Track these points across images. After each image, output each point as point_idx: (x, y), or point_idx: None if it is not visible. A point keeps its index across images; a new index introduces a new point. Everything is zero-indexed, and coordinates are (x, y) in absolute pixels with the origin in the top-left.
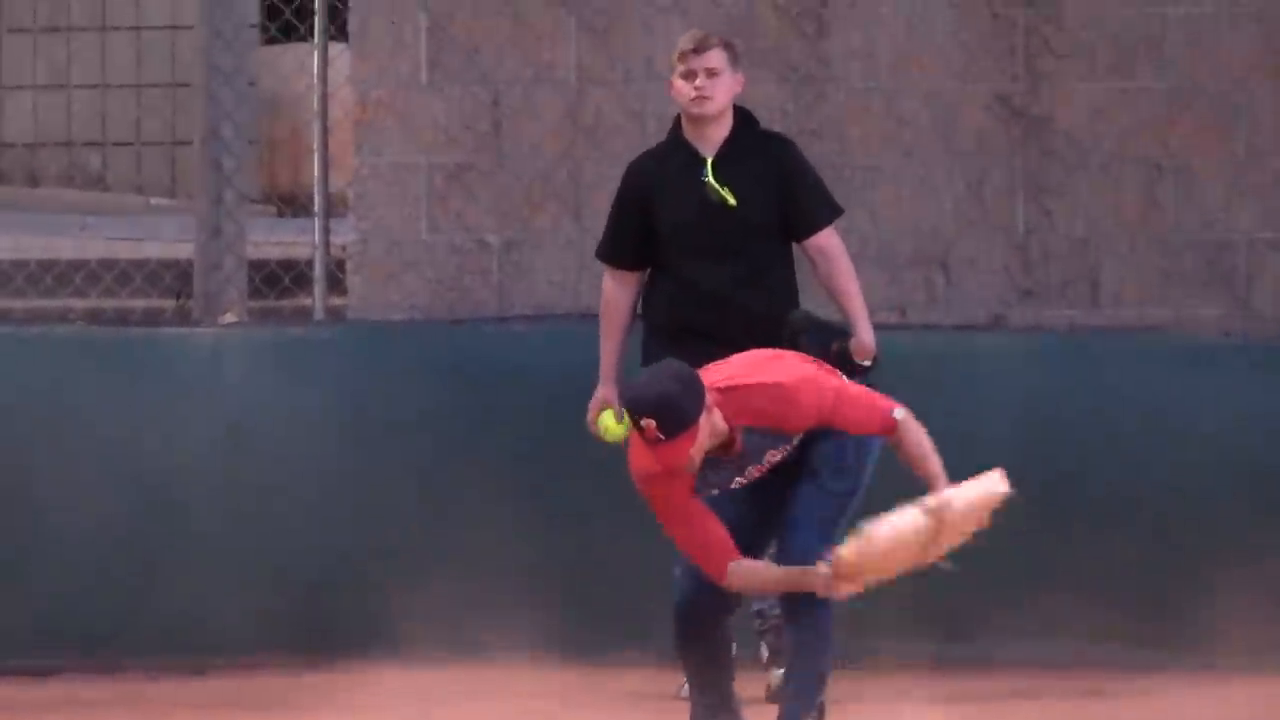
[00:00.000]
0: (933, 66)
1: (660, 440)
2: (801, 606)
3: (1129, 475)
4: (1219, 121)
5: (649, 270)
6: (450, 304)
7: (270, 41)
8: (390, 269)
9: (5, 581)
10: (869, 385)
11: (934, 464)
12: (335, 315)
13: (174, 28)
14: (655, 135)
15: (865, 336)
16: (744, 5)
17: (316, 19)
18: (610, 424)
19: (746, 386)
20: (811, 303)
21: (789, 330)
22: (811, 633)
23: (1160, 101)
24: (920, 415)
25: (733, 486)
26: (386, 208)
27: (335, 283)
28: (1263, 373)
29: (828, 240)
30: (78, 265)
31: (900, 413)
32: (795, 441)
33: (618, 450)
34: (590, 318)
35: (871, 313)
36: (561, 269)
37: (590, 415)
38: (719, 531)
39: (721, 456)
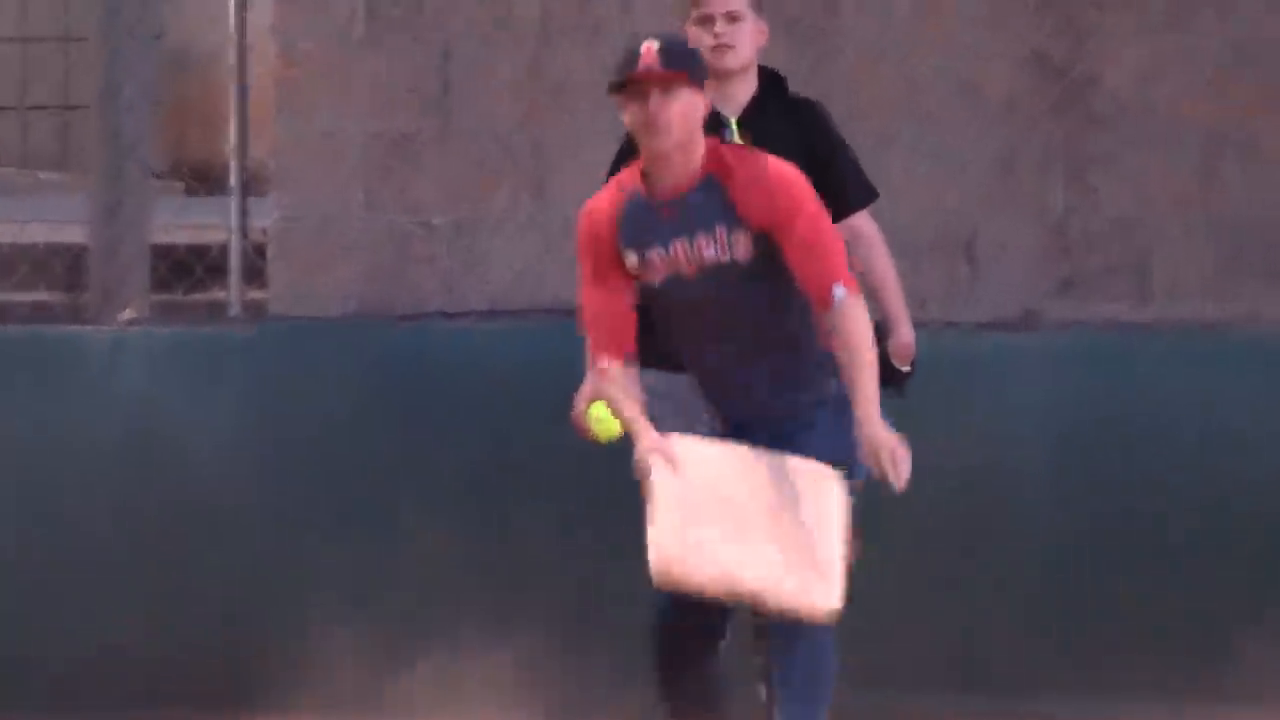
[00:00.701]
0: (955, 19)
1: (656, 73)
2: (796, 640)
3: (1185, 499)
4: None
5: None
6: (390, 297)
7: None
8: (319, 256)
9: None
10: (903, 392)
11: (861, 373)
12: (254, 311)
13: None
14: None
15: (906, 335)
16: None
17: None
18: (605, 414)
19: (741, 146)
20: None
21: None
22: (805, 672)
23: (1223, 58)
24: (942, 427)
25: (655, 260)
26: (315, 184)
27: (255, 273)
28: None
29: (864, 224)
30: None
31: (841, 292)
32: (734, 241)
33: (584, 467)
34: (555, 312)
35: None
36: (521, 255)
37: (579, 407)
38: (621, 316)
39: (666, 197)
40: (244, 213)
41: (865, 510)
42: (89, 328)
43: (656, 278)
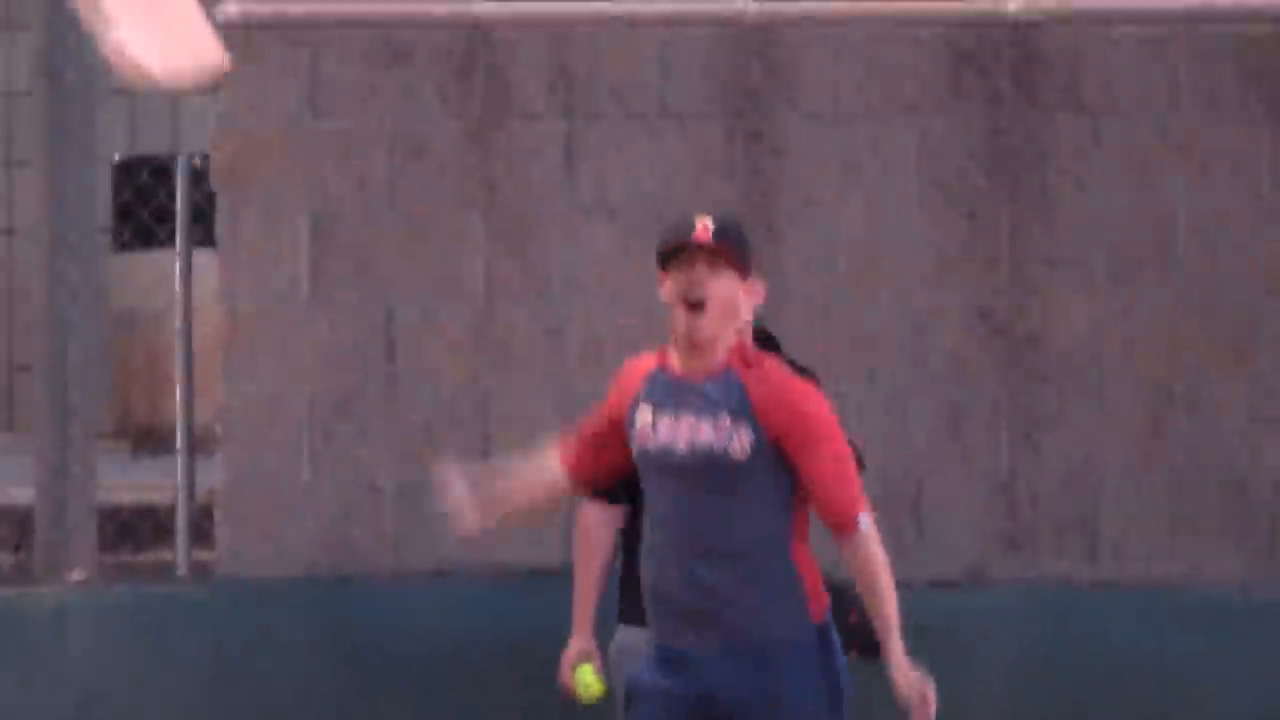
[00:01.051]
0: (902, 276)
1: (707, 248)
2: None
3: None
4: (1238, 338)
5: (632, 506)
6: (336, 559)
7: (124, 248)
8: (266, 518)
9: None
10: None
11: (885, 605)
12: (201, 572)
13: (7, 232)
14: (578, 358)
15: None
16: (681, 205)
17: (178, 221)
18: (590, 679)
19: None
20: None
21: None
22: None
23: (1170, 315)
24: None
25: (662, 426)
26: (261, 445)
27: (201, 534)
28: None
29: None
30: None
31: (866, 521)
32: (735, 434)
33: None
34: (506, 576)
35: (832, 566)
36: None
37: (564, 671)
38: (602, 450)
39: (686, 378)
40: (191, 474)
41: None
42: (35, 589)
43: (655, 442)
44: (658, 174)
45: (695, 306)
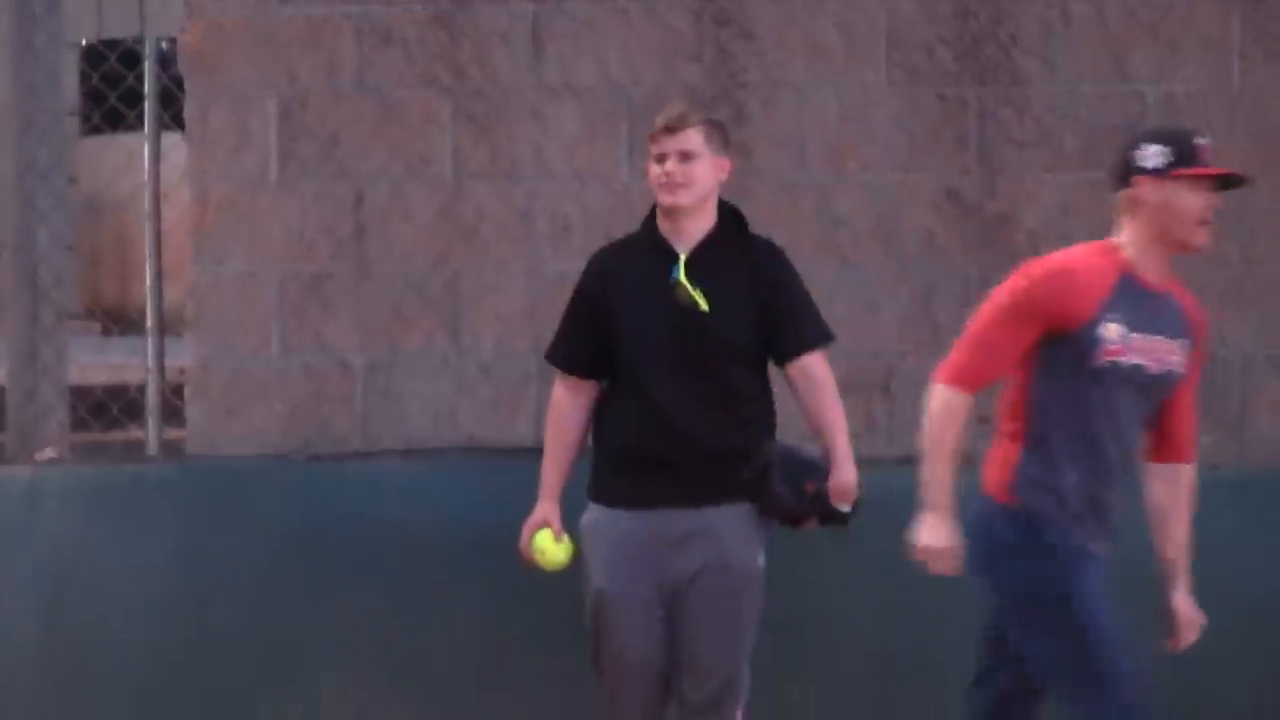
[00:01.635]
0: (871, 158)
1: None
2: None
3: None
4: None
5: (604, 384)
6: (306, 438)
7: (92, 132)
8: (236, 396)
9: None
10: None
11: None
12: (172, 451)
13: None
14: (547, 238)
15: (846, 476)
16: (649, 88)
17: (147, 105)
18: (548, 545)
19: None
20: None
21: (758, 463)
22: None
23: None
24: (865, 560)
25: (1136, 344)
26: (232, 325)
27: (172, 412)
28: (1260, 510)
29: (817, 365)
30: None
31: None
32: (1184, 355)
33: (500, 612)
34: (473, 451)
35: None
36: (435, 396)
37: (524, 536)
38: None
39: (1155, 287)
40: (161, 353)
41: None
42: (6, 468)
43: (1126, 358)
44: (625, 56)
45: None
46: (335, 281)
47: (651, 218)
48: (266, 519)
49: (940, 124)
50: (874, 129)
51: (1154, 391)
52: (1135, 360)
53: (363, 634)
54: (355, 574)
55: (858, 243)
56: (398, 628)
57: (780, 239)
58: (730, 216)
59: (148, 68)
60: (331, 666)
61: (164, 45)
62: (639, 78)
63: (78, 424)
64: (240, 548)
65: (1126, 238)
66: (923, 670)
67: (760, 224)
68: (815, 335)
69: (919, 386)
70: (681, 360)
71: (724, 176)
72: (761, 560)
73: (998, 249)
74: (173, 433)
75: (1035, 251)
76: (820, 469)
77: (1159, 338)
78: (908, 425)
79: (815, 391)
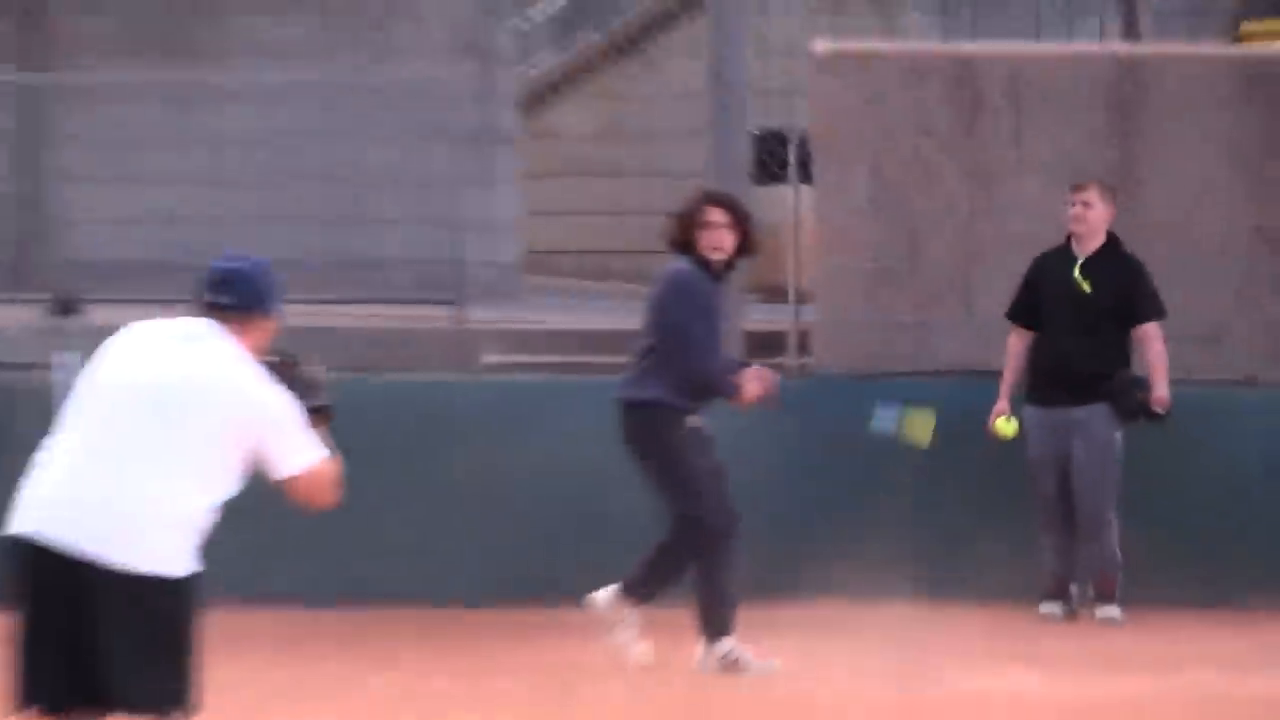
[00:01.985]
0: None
1: None
2: None
3: None
4: None
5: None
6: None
7: (761, 183)
8: (840, 340)
9: None
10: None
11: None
12: (802, 371)
13: (690, 175)
14: None
15: (1162, 393)
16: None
17: (790, 169)
18: (1003, 425)
19: None
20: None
21: (1115, 383)
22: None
23: None
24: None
25: None
26: (840, 300)
27: (803, 349)
28: None
29: (1151, 329)
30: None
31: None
32: None
33: None
34: (975, 373)
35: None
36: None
37: (991, 420)
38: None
39: None
40: (797, 313)
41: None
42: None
43: None
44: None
45: None
46: (893, 271)
47: (1068, 238)
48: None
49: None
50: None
51: None
52: None
53: None
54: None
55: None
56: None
57: (1157, 251)
58: (1111, 239)
59: (791, 148)
60: None
61: (802, 132)
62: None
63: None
64: (848, 438)
65: None
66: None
67: (1144, 242)
68: (1152, 312)
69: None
70: (1075, 320)
71: (1111, 215)
72: (1119, 437)
73: None
74: (803, 360)
75: None
76: (1149, 388)
77: None
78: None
79: (1147, 345)
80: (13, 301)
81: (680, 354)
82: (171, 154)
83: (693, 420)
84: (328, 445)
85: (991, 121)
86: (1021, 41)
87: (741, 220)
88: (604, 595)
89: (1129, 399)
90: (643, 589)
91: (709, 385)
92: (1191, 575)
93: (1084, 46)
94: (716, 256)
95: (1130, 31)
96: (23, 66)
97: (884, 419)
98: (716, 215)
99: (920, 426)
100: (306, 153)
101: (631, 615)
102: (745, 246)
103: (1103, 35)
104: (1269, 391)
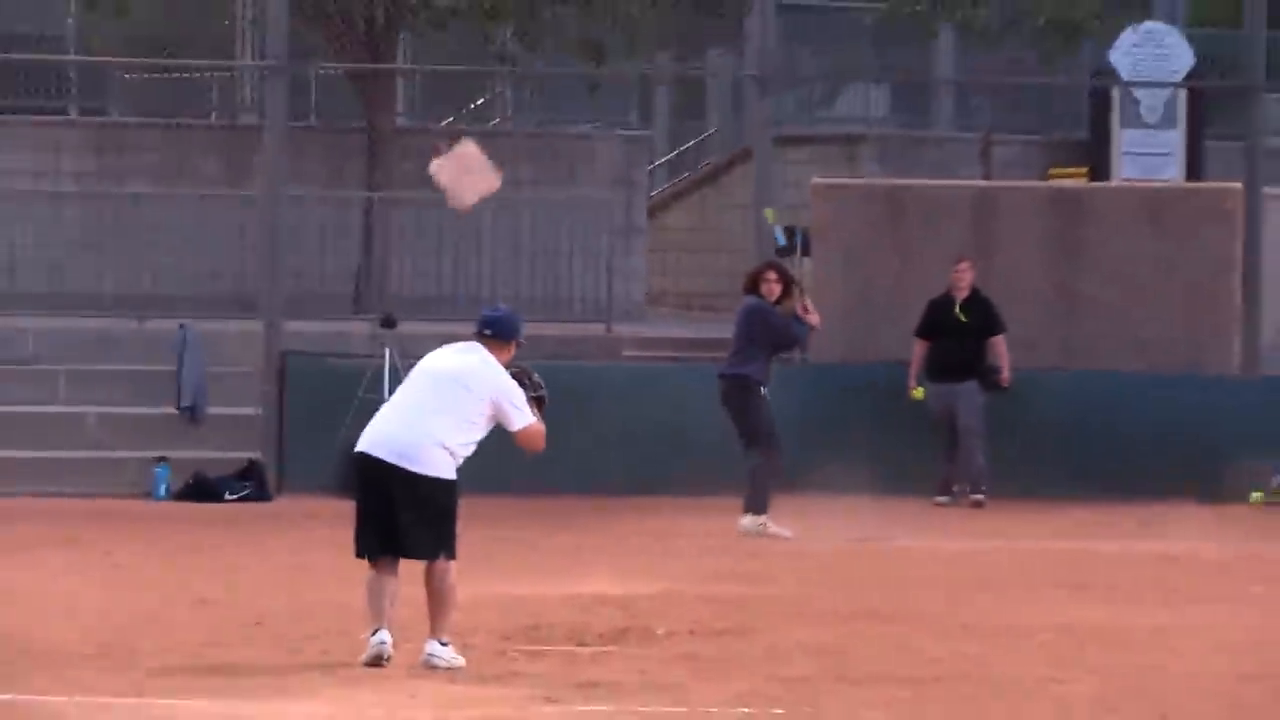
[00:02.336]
0: None
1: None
2: None
3: None
4: None
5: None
6: None
7: (783, 256)
8: (827, 343)
9: None
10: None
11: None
12: (804, 362)
13: (743, 250)
14: None
15: (1006, 375)
16: None
17: (798, 248)
18: (917, 392)
19: None
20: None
21: (983, 370)
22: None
23: None
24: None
25: None
26: (826, 320)
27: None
28: None
29: (999, 340)
30: None
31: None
32: None
33: None
34: (899, 362)
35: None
36: None
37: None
38: None
39: None
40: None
41: None
42: None
43: None
44: None
45: None
46: (854, 308)
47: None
48: None
49: None
50: None
51: None
52: None
53: None
54: None
55: None
56: None
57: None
58: (974, 289)
59: (799, 236)
60: None
61: (805, 229)
62: None
63: None
64: None
65: None
66: None
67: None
68: (999, 328)
69: None
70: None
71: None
72: (982, 399)
73: None
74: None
75: None
76: (997, 371)
77: None
78: None
79: (997, 347)
80: (355, 318)
81: (774, 337)
82: (451, 237)
83: (764, 390)
84: (540, 419)
85: (911, 224)
86: (929, 179)
87: (785, 277)
88: (746, 521)
89: (990, 379)
90: (758, 502)
91: (793, 339)
92: (1029, 478)
93: (960, 182)
94: (770, 297)
95: (986, 175)
96: (369, 188)
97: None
98: (771, 274)
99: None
100: (528, 237)
101: (766, 521)
102: (786, 291)
103: (972, 177)
104: (1064, 374)
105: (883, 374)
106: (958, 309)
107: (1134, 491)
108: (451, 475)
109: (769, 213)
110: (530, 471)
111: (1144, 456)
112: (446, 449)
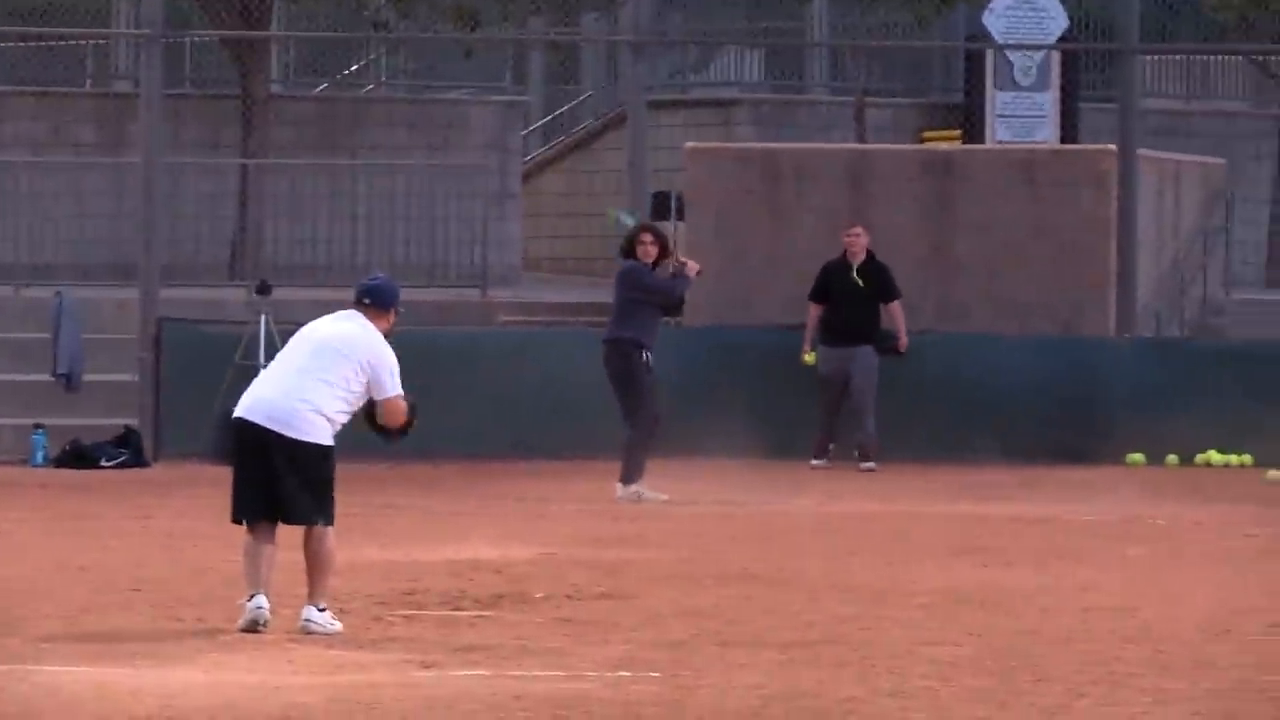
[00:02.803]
0: None
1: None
2: None
3: None
4: None
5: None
6: None
7: (657, 220)
8: (703, 307)
9: None
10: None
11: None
12: (679, 325)
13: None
14: None
15: (903, 340)
16: None
17: (672, 214)
18: (810, 357)
19: None
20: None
21: (880, 336)
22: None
23: None
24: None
25: None
26: (701, 285)
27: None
28: None
29: (895, 305)
30: None
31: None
32: None
33: None
34: (782, 326)
35: None
36: None
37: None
38: None
39: None
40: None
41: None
42: None
43: None
44: None
45: None
46: (729, 273)
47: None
48: None
49: None
50: None
51: None
52: None
53: None
54: None
55: None
56: None
57: None
58: (870, 254)
59: (674, 201)
60: None
61: (679, 194)
62: None
63: None
64: None
65: None
66: None
67: None
68: (895, 293)
69: None
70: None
71: (867, 242)
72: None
73: None
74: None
75: None
76: (892, 337)
77: None
78: None
79: (894, 312)
80: (231, 285)
81: (654, 296)
82: (326, 204)
83: (647, 354)
84: (407, 408)
85: (786, 188)
86: (801, 143)
87: (660, 239)
88: (620, 490)
89: (887, 344)
90: (630, 472)
91: (676, 295)
92: (909, 441)
93: (835, 145)
94: (646, 260)
95: (861, 138)
96: (244, 155)
97: (622, 219)
98: (647, 237)
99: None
100: (401, 204)
101: (640, 489)
102: (663, 253)
103: (846, 139)
104: (940, 337)
105: (760, 338)
106: (855, 273)
107: (1012, 454)
108: (329, 441)
109: (611, 213)
110: (410, 438)
111: (1022, 419)
112: (324, 415)
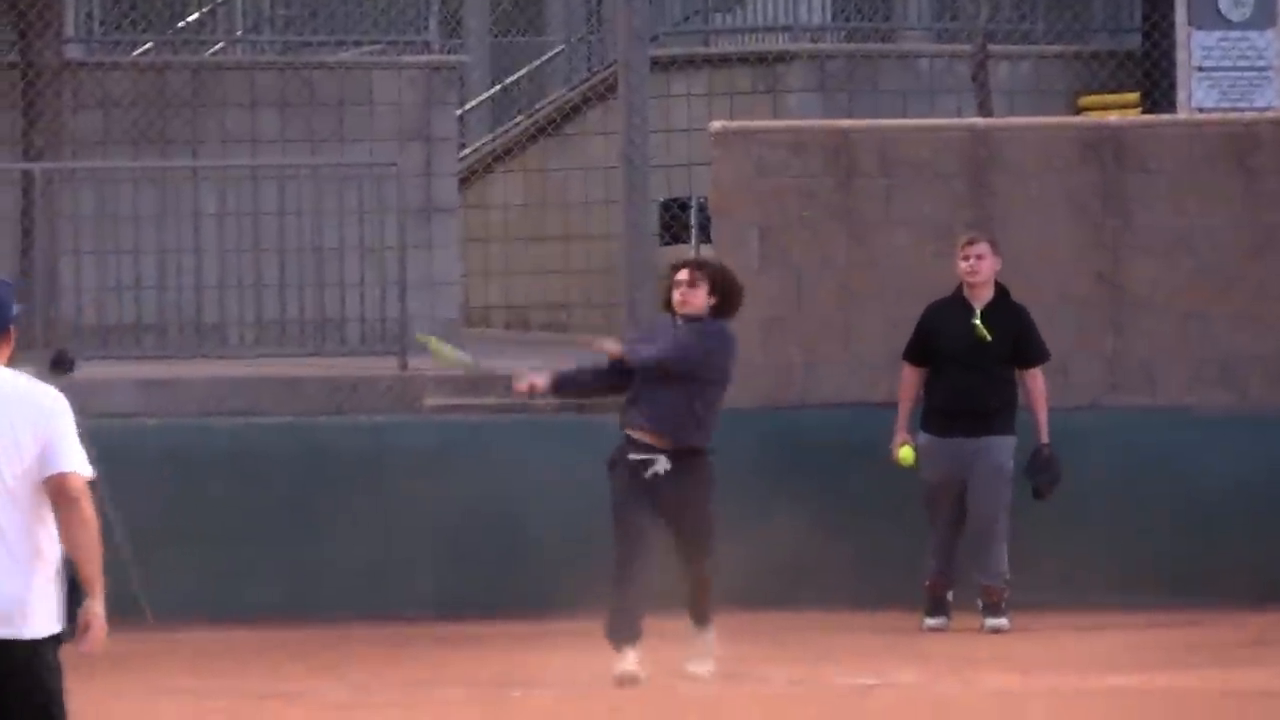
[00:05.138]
0: None
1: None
2: None
3: None
4: None
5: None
6: None
7: (667, 243)
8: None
9: None
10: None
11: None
12: None
13: (605, 238)
14: None
15: (1044, 437)
16: None
17: (693, 230)
18: (906, 454)
19: None
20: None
21: (1034, 460)
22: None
23: None
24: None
25: None
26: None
27: None
28: None
29: (1037, 372)
30: None
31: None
32: None
33: None
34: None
35: None
36: None
37: (894, 451)
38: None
39: None
40: None
41: None
42: None
43: None
44: None
45: None
46: (778, 322)
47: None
48: None
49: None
50: None
51: None
52: None
53: None
54: None
55: None
56: None
57: None
58: (1002, 290)
59: (694, 212)
60: None
61: (701, 199)
62: None
63: None
64: None
65: None
66: None
67: None
68: (1039, 357)
69: None
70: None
71: (998, 267)
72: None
73: None
74: None
75: None
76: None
77: None
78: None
79: (1034, 384)
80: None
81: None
82: (154, 230)
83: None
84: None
85: (869, 187)
86: (889, 118)
87: (695, 273)
88: (698, 651)
89: (1044, 476)
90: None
91: (647, 365)
92: (1063, 581)
93: (943, 120)
94: (681, 309)
95: (983, 107)
96: (28, 157)
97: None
98: (682, 274)
99: (445, 356)
100: (268, 226)
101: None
102: (714, 290)
103: (960, 111)
104: (1109, 415)
105: (828, 422)
106: (977, 319)
107: (1229, 595)
108: (57, 627)
109: (430, 343)
110: (287, 589)
111: (1242, 541)
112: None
